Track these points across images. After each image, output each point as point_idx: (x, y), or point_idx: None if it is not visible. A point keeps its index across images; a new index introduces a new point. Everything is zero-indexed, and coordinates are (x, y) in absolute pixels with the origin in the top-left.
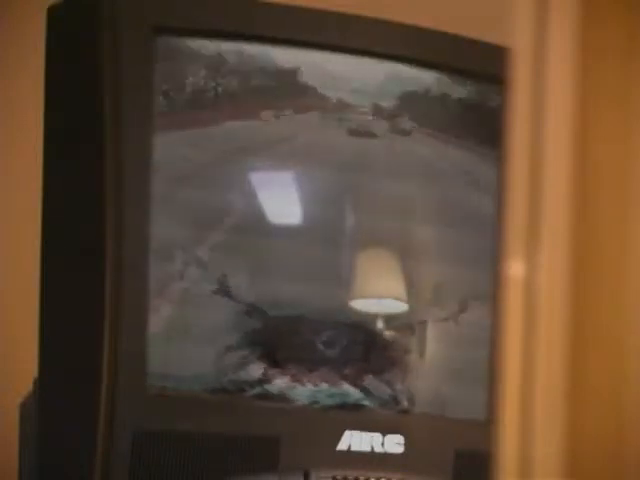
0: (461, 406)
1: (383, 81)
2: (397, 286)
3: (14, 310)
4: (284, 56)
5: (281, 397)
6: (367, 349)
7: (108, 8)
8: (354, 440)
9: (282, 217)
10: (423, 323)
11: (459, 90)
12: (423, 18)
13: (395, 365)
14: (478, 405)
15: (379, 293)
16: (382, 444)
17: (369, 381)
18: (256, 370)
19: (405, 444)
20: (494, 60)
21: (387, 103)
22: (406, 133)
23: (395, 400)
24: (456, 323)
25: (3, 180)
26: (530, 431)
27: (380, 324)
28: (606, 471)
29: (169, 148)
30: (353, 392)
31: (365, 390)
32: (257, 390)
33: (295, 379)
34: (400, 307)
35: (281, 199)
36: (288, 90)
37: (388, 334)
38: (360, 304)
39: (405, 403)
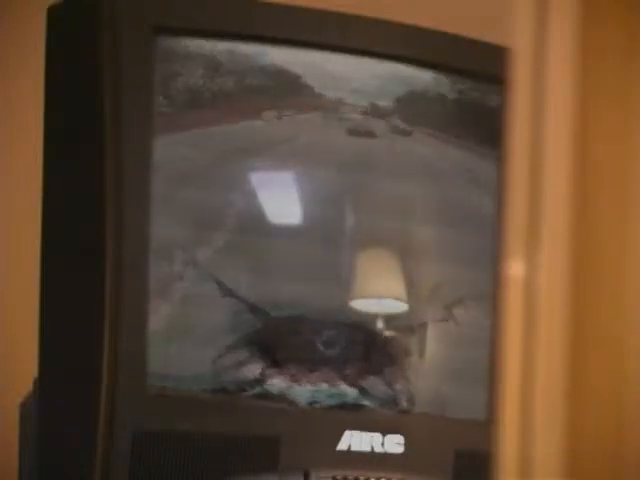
0: (461, 406)
1: (383, 81)
2: (397, 286)
3: (14, 310)
4: (284, 56)
5: (281, 397)
6: (367, 349)
7: (108, 8)
8: (354, 440)
9: (282, 217)
10: (423, 323)
11: (459, 90)
12: (423, 18)
13: (395, 365)
14: (478, 405)
15: (379, 293)
16: (382, 444)
17: (369, 381)
18: (256, 370)
19: (405, 444)
20: (494, 60)
21: (387, 103)
22: (406, 133)
23: (395, 400)
24: (456, 323)
25: (3, 180)
26: (530, 431)
27: (380, 324)
28: (606, 471)
29: (169, 148)
30: (353, 392)
31: (365, 390)
32: (257, 390)
33: (295, 379)
34: (400, 307)
35: (281, 199)
36: (288, 90)
37: (388, 334)
38: (360, 304)
39: (405, 403)
